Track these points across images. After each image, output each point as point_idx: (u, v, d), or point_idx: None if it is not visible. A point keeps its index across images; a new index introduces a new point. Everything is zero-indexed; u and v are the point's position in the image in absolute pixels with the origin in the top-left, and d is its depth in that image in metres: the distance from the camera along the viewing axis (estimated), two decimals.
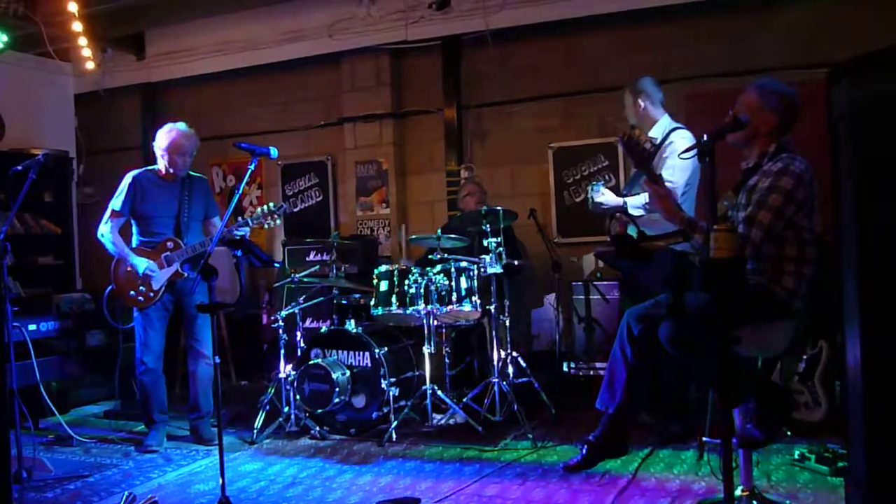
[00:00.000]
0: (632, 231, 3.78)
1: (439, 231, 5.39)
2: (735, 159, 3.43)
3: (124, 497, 3.72)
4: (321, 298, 5.62)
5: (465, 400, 5.07)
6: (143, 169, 5.08)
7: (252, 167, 4.05)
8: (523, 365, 5.28)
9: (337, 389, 4.98)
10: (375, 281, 5.23)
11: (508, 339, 5.26)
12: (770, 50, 5.94)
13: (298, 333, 5.36)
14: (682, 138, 4.63)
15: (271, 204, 4.75)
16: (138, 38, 8.10)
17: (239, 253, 4.14)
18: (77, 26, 6.78)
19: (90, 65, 7.41)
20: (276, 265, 6.57)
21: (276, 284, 5.91)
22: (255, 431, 5.01)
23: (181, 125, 4.98)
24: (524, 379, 5.28)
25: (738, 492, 3.26)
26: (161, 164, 4.97)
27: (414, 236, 5.85)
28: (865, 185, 2.39)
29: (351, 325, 5.22)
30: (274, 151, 4.16)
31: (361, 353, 5.14)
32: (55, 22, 6.86)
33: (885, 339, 2.35)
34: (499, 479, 4.04)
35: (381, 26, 7.05)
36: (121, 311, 5.17)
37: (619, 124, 6.45)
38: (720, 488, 2.75)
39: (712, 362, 2.90)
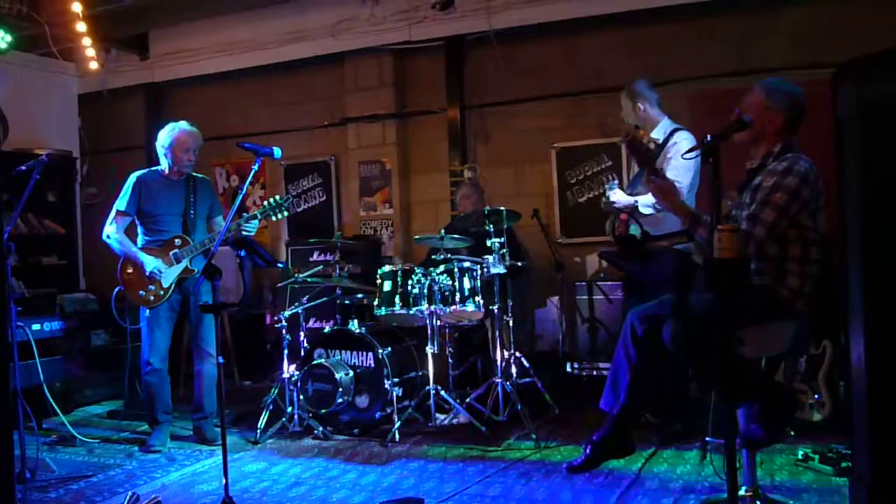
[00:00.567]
0: (634, 231, 3.78)
1: (442, 231, 5.40)
2: (738, 159, 3.42)
3: (128, 497, 3.71)
4: (324, 299, 5.62)
5: (468, 400, 5.07)
6: (147, 169, 5.08)
7: (255, 167, 4.05)
8: (527, 365, 5.27)
9: (340, 390, 4.98)
10: (379, 281, 5.24)
11: (512, 339, 5.26)
12: (773, 50, 5.93)
13: (302, 333, 5.36)
14: (685, 139, 4.62)
15: (278, 196, 4.76)
16: (142, 39, 8.10)
17: (243, 253, 4.14)
18: (81, 26, 6.79)
19: (94, 65, 7.42)
20: (280, 265, 6.58)
21: (280, 284, 5.92)
22: (259, 431, 5.01)
23: (183, 123, 4.99)
24: (527, 379, 5.28)
25: (741, 492, 3.26)
26: (164, 164, 4.98)
27: (417, 236, 5.85)
28: (870, 184, 2.39)
29: (354, 326, 5.22)
30: (277, 151, 4.16)
31: (365, 353, 5.14)
32: (59, 22, 6.87)
33: (889, 338, 2.35)
34: (502, 479, 4.04)
35: (385, 26, 7.05)
36: (128, 311, 5.17)
37: (622, 125, 6.43)
38: (724, 488, 2.75)
39: (716, 362, 2.90)
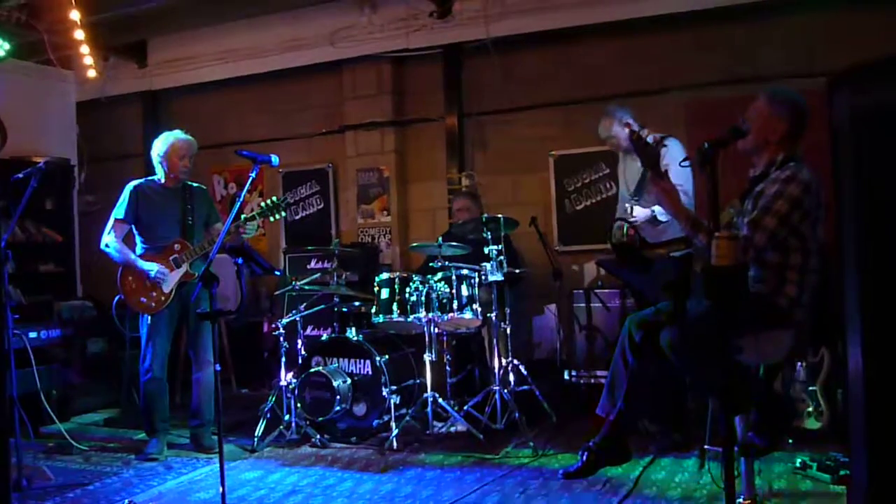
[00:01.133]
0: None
1: (440, 239, 5.40)
2: (737, 169, 3.43)
3: None
4: (322, 306, 5.61)
5: (466, 408, 5.07)
6: (144, 179, 5.09)
7: (253, 175, 4.05)
8: (524, 373, 5.27)
9: (338, 397, 4.98)
10: (376, 288, 5.24)
11: (509, 346, 5.26)
12: (770, 59, 5.95)
13: (299, 341, 5.35)
14: (676, 145, 4.65)
15: (274, 198, 4.79)
16: (140, 46, 8.10)
17: (240, 261, 4.15)
18: (79, 34, 6.79)
19: (92, 73, 7.41)
20: (277, 273, 6.57)
21: (277, 292, 5.90)
22: (256, 439, 5.00)
23: (177, 132, 5.02)
24: (525, 387, 5.28)
25: (739, 500, 3.25)
26: (160, 172, 4.99)
27: (415, 244, 5.86)
28: (867, 193, 2.39)
29: (352, 333, 5.22)
30: (275, 159, 4.17)
31: (362, 360, 5.14)
32: (57, 30, 6.87)
33: (886, 345, 2.35)
34: (500, 487, 4.03)
35: (383, 34, 7.07)
36: (129, 319, 5.16)
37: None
38: (722, 497, 2.74)
39: (714, 370, 2.90)
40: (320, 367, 5.13)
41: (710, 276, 2.73)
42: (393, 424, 4.91)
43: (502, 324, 5.31)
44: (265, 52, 7.50)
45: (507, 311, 5.33)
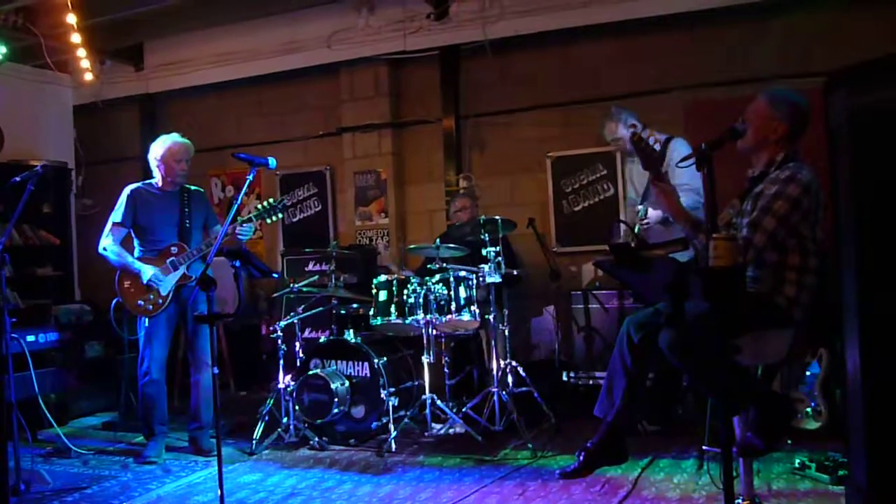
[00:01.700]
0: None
1: (437, 240, 5.39)
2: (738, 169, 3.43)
3: None
4: (320, 308, 5.61)
5: (464, 409, 5.06)
6: (141, 182, 5.09)
7: (251, 177, 4.05)
8: (523, 374, 5.27)
9: (336, 400, 4.97)
10: (374, 291, 5.24)
11: (508, 348, 5.26)
12: (767, 59, 5.95)
13: (297, 344, 5.35)
14: (682, 145, 4.65)
15: (271, 199, 4.79)
16: (137, 50, 8.11)
17: (237, 263, 4.14)
18: (76, 38, 6.79)
19: (89, 76, 7.41)
20: (275, 275, 6.57)
21: (275, 294, 5.90)
22: (254, 442, 4.99)
23: (174, 135, 5.02)
24: (524, 388, 5.27)
25: (738, 501, 3.25)
26: (158, 176, 4.99)
27: (412, 245, 5.85)
28: (864, 192, 2.39)
29: (350, 335, 5.22)
30: (273, 161, 4.17)
31: (360, 363, 5.14)
32: (54, 34, 6.87)
33: (884, 345, 2.35)
34: (499, 488, 4.03)
35: (380, 36, 7.07)
36: (127, 322, 5.16)
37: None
38: (721, 497, 2.74)
39: (712, 371, 2.90)
40: (318, 370, 5.13)
41: (709, 277, 2.73)
42: (391, 426, 4.90)
43: (500, 325, 5.31)
44: (262, 55, 7.51)
45: (506, 312, 5.32)
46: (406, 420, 5.04)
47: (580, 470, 3.57)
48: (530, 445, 4.67)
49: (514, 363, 5.29)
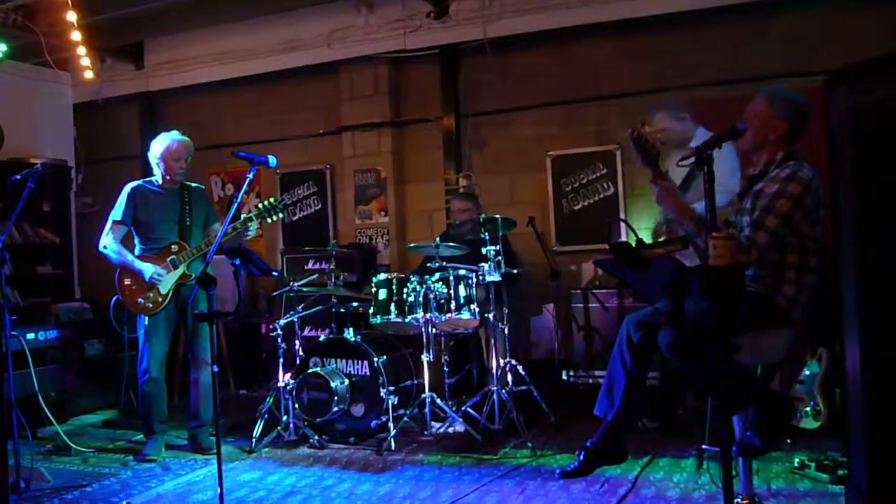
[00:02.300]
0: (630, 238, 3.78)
1: (437, 239, 5.39)
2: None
3: None
4: (320, 307, 5.61)
5: (464, 408, 5.06)
6: (142, 180, 5.09)
7: (251, 176, 4.04)
8: (522, 373, 5.27)
9: (336, 398, 4.97)
10: (374, 289, 5.23)
11: (507, 347, 5.26)
12: (768, 58, 5.95)
13: (297, 342, 5.35)
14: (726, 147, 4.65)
15: (272, 199, 4.79)
16: (137, 48, 8.11)
17: (237, 262, 4.14)
18: (76, 36, 6.78)
19: (89, 74, 7.41)
20: (275, 274, 6.57)
21: (275, 293, 5.90)
22: (254, 440, 4.99)
23: (174, 132, 5.01)
24: (523, 387, 5.27)
25: (738, 500, 3.25)
26: (158, 174, 4.98)
27: (412, 244, 5.85)
28: (864, 191, 2.39)
29: (350, 334, 5.22)
30: (273, 160, 4.16)
31: (360, 361, 5.14)
32: (54, 32, 6.86)
33: (884, 344, 2.35)
34: (498, 487, 4.03)
35: (380, 35, 7.07)
36: (126, 320, 5.16)
37: (616, 132, 6.47)
38: (720, 496, 2.75)
39: (712, 370, 2.90)
40: (318, 368, 5.13)
41: (708, 276, 2.73)
42: (391, 425, 4.90)
43: (500, 324, 5.31)
44: (262, 54, 7.51)
45: (505, 311, 5.33)
46: (405, 419, 5.04)
47: (580, 469, 3.58)
48: (530, 444, 4.67)
49: (513, 362, 5.29)
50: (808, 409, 4.55)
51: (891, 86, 2.34)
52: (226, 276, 5.35)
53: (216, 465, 3.48)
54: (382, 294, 5.18)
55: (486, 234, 5.13)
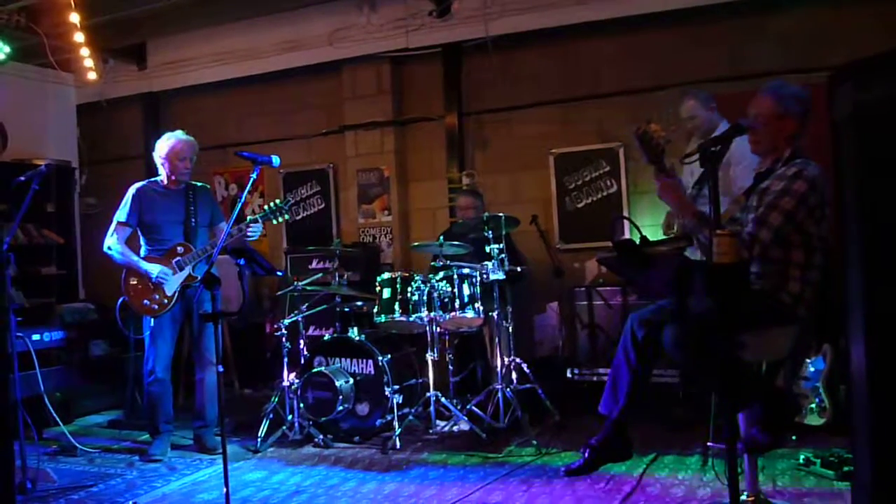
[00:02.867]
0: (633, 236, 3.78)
1: (441, 238, 5.39)
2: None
3: None
4: (324, 306, 5.62)
5: (468, 407, 5.07)
6: (147, 180, 5.09)
7: (254, 176, 4.05)
8: (527, 371, 5.27)
9: (340, 397, 4.98)
10: (378, 288, 5.24)
11: (511, 345, 5.26)
12: (768, 54, 5.94)
13: (301, 341, 5.36)
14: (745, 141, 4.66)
15: (277, 201, 4.80)
16: (140, 49, 8.11)
17: (241, 262, 4.15)
18: (79, 37, 6.78)
19: (92, 75, 7.41)
20: (279, 274, 6.57)
21: (279, 293, 5.91)
22: (259, 440, 5.00)
23: (179, 132, 5.01)
24: (527, 385, 5.28)
25: (743, 497, 3.26)
26: (163, 174, 4.99)
27: (416, 243, 5.85)
28: (869, 187, 2.39)
29: (354, 333, 5.22)
30: (276, 160, 4.17)
31: (364, 360, 5.14)
32: (57, 33, 6.87)
33: (889, 341, 2.35)
34: (503, 485, 4.03)
35: (382, 34, 7.06)
36: (133, 321, 5.17)
37: (619, 130, 6.47)
38: (725, 493, 2.75)
39: (716, 367, 2.90)
40: (322, 368, 5.13)
41: (712, 273, 2.73)
42: (396, 424, 4.91)
43: (504, 322, 5.31)
44: (264, 53, 7.51)
45: (509, 309, 5.33)
46: (410, 417, 5.04)
47: (585, 466, 3.59)
48: (534, 442, 4.67)
49: (517, 360, 5.29)
50: (813, 405, 4.55)
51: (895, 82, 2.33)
52: (230, 276, 5.35)
53: (221, 465, 3.50)
54: (386, 293, 5.19)
55: (490, 232, 5.13)
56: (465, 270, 5.11)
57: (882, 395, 2.36)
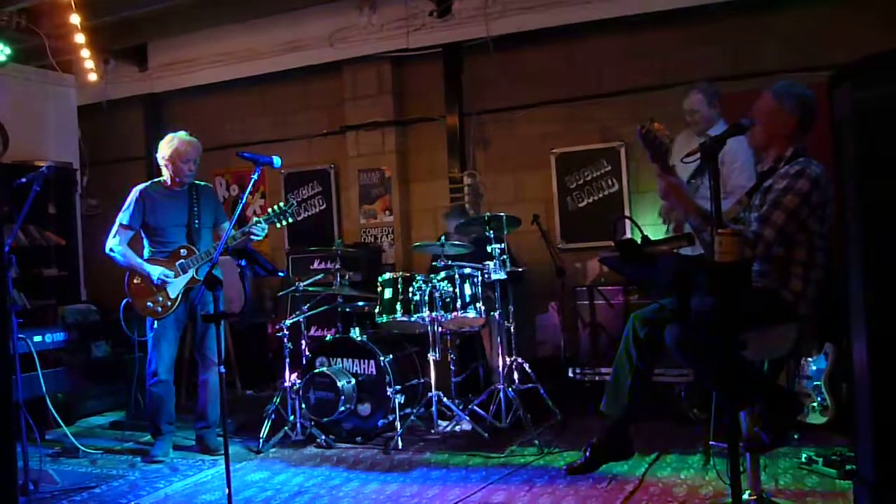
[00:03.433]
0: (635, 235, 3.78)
1: (442, 238, 5.39)
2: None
3: None
4: (326, 307, 5.61)
5: (470, 406, 5.07)
6: (149, 182, 5.09)
7: (255, 176, 4.05)
8: (528, 371, 5.27)
9: (342, 398, 4.98)
10: (380, 288, 5.24)
11: (513, 345, 5.26)
12: (770, 53, 5.94)
13: (303, 342, 5.36)
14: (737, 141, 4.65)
15: (282, 203, 4.78)
16: (141, 50, 8.12)
17: (243, 262, 4.15)
18: (80, 38, 6.79)
19: (93, 76, 7.42)
20: (281, 274, 6.58)
21: (281, 293, 5.91)
22: (261, 441, 5.00)
23: (182, 133, 4.99)
24: (529, 385, 5.28)
25: (745, 496, 3.25)
26: (166, 175, 4.98)
27: (417, 243, 5.85)
28: (869, 185, 2.39)
29: (355, 333, 5.22)
30: (277, 160, 4.17)
31: (366, 360, 5.14)
32: (58, 34, 6.87)
33: (890, 340, 2.35)
34: (505, 485, 4.03)
35: (383, 34, 7.07)
36: (136, 322, 5.17)
37: (620, 129, 6.47)
38: (728, 492, 2.75)
39: (718, 366, 2.90)
40: (324, 368, 5.13)
41: (714, 272, 2.73)
42: (398, 424, 4.91)
43: (506, 322, 5.31)
44: (265, 54, 7.51)
45: (511, 309, 5.33)
46: (412, 417, 5.05)
47: (587, 466, 3.58)
48: (536, 442, 4.67)
49: (519, 360, 5.29)
50: (815, 404, 4.54)
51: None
52: (232, 277, 5.37)
53: (224, 466, 3.50)
54: (388, 293, 5.19)
55: (491, 231, 5.13)
56: (467, 270, 5.11)
57: (884, 394, 2.37)
